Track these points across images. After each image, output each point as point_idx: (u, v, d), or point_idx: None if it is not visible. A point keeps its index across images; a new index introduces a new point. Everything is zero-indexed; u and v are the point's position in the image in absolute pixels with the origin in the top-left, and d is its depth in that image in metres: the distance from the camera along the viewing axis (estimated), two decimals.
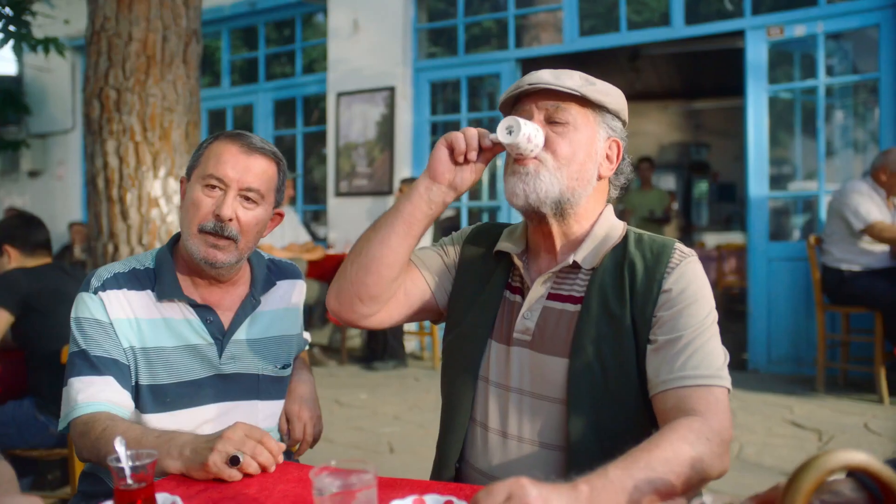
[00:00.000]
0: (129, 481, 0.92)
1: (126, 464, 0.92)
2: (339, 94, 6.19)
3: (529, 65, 6.09)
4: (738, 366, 5.10)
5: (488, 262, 1.33)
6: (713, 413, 1.04)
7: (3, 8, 4.19)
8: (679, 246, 1.20)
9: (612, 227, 1.26)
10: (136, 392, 1.40)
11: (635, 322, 1.15)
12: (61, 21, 5.48)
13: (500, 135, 1.16)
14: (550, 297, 1.23)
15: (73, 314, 1.41)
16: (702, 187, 12.81)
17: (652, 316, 1.15)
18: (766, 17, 4.90)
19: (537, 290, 1.24)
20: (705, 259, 8.37)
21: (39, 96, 8.02)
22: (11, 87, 7.98)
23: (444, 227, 7.11)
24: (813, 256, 4.28)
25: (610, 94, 1.25)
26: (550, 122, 1.21)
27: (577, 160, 1.20)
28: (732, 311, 7.83)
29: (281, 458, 1.13)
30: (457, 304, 1.34)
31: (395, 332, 5.27)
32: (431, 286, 1.36)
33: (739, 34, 5.05)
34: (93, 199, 3.58)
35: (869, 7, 4.64)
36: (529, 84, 1.21)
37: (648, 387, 1.13)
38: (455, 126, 6.77)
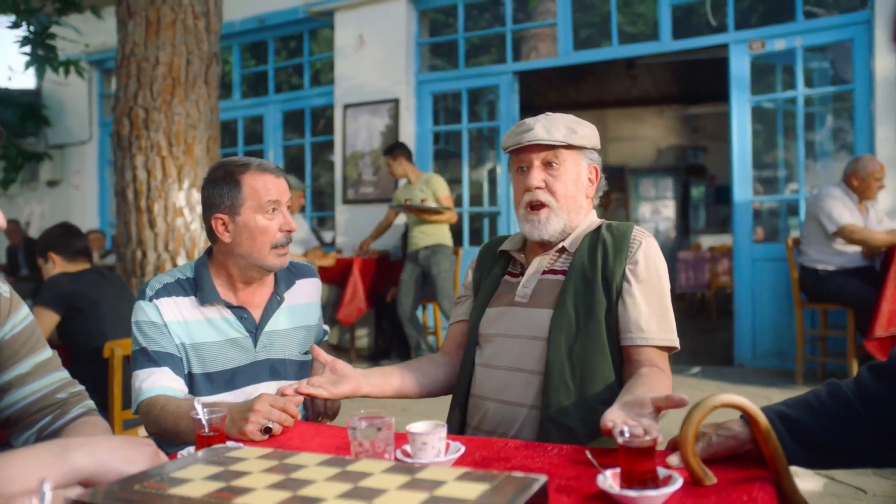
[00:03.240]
0: (206, 430, 1.22)
1: (204, 417, 1.22)
2: (346, 106, 6.50)
3: (526, 76, 6.39)
4: (725, 361, 5.39)
5: (492, 263, 1.76)
6: (666, 368, 1.48)
7: (32, 35, 4.48)
8: (637, 228, 1.58)
9: (592, 221, 1.66)
10: (192, 379, 1.70)
11: (605, 281, 1.52)
12: (75, 39, 5.79)
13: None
14: (545, 272, 1.62)
15: (133, 318, 1.69)
16: (699, 190, 13.09)
17: (623, 278, 1.52)
18: (748, 31, 5.20)
19: (534, 267, 1.63)
20: (700, 261, 8.67)
21: (57, 109, 8.35)
22: (31, 100, 8.31)
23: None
24: (791, 257, 4.57)
25: (588, 136, 1.61)
26: (547, 167, 1.60)
27: (571, 195, 1.60)
28: (726, 310, 8.11)
29: (299, 416, 1.44)
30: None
31: (401, 332, 5.56)
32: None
33: (723, 47, 5.34)
34: (122, 209, 3.89)
35: (844, 23, 4.94)
36: (528, 140, 1.57)
37: (622, 334, 1.50)
38: (456, 135, 7.07)
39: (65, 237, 3.12)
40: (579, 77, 9.56)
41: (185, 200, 3.84)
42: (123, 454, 1.02)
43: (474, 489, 0.86)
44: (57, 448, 0.97)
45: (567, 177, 1.60)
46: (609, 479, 0.98)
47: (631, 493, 0.94)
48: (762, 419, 1.02)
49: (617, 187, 12.64)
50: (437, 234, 5.31)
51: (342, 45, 6.53)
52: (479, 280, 1.77)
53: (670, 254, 11.56)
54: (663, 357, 1.49)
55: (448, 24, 6.82)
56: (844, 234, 4.20)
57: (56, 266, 3.09)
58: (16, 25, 4.37)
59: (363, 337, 6.41)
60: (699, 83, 10.28)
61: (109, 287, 3.09)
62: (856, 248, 4.30)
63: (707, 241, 10.60)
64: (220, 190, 1.69)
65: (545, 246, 1.64)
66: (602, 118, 12.51)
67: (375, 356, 5.74)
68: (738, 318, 5.26)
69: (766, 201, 6.46)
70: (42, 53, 4.48)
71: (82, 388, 1.36)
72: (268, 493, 0.88)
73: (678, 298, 10.16)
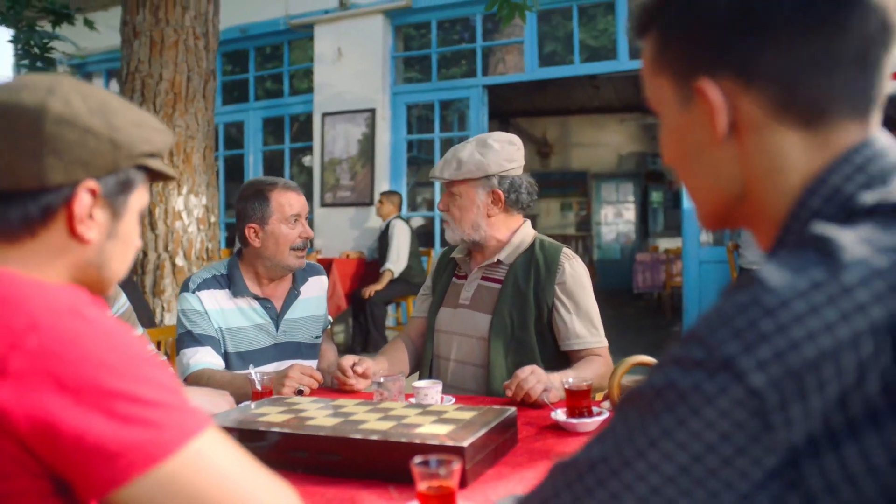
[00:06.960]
0: (259, 388, 1.61)
1: (257, 379, 1.61)
2: (325, 115, 6.87)
3: (495, 90, 6.84)
4: None
5: (445, 267, 2.17)
6: (606, 358, 1.88)
7: (32, 49, 4.76)
8: (565, 250, 1.97)
9: (525, 236, 2.02)
10: (227, 358, 2.09)
11: (537, 297, 1.92)
12: (73, 53, 6.06)
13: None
14: (483, 279, 2.03)
15: (179, 307, 2.08)
16: (658, 195, 13.70)
17: (554, 296, 1.91)
18: None
19: (475, 275, 2.04)
20: (657, 262, 9.21)
21: None
22: None
23: (419, 233, 7.81)
24: (731, 259, 5.08)
25: (479, 168, 1.94)
26: (449, 194, 2.00)
27: (465, 218, 1.98)
28: (679, 308, 8.66)
29: (322, 381, 1.84)
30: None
31: (378, 326, 5.96)
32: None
33: None
34: None
35: None
36: (431, 177, 2.05)
37: (562, 340, 1.90)
38: (429, 144, 7.49)
39: None
40: (545, 87, 10.06)
41: (184, 205, 4.18)
42: (211, 399, 1.42)
43: (468, 413, 1.28)
44: None
45: (460, 202, 1.97)
46: (559, 413, 1.41)
47: (573, 421, 1.37)
48: None
49: (580, 191, 13.19)
50: None
51: (321, 56, 6.89)
52: (435, 282, 2.16)
53: (629, 255, 12.14)
54: (600, 350, 1.91)
55: (422, 38, 7.23)
56: None
57: None
58: (17, 41, 4.66)
59: (339, 333, 6.79)
60: None
61: (122, 282, 3.43)
62: None
63: (664, 244, 11.15)
64: (252, 204, 2.08)
65: (484, 255, 2.01)
66: (566, 125, 13.05)
67: (353, 349, 6.12)
68: (686, 316, 5.77)
69: None
70: (41, 66, 4.76)
71: (165, 359, 1.74)
72: (326, 419, 1.28)
73: (636, 298, 10.70)
